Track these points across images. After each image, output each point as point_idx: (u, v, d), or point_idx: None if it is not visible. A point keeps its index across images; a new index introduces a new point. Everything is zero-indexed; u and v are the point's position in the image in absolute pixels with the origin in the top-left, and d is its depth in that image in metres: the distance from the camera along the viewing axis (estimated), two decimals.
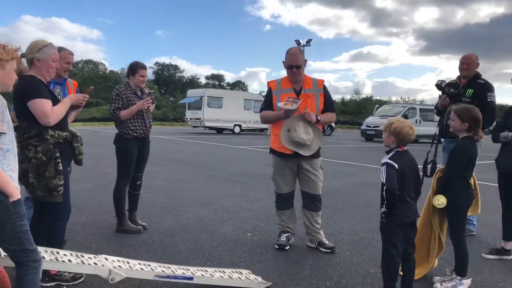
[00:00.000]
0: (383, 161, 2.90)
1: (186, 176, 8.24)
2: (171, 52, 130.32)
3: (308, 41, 35.43)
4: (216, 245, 4.05)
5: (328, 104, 4.04)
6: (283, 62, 3.97)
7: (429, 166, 4.56)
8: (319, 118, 3.85)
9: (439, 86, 4.69)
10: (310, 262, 3.70)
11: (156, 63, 76.69)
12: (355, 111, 58.87)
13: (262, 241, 4.23)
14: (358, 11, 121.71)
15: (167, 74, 77.76)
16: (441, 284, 3.18)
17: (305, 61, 3.93)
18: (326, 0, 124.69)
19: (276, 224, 4.37)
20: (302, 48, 35.69)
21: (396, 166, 2.83)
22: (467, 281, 3.16)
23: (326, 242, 4.04)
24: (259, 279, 3.20)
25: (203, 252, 3.83)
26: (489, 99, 4.47)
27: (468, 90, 4.56)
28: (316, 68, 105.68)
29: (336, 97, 71.57)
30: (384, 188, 2.82)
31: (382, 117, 23.70)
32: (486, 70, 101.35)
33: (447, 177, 3.18)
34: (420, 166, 3.09)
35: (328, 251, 3.94)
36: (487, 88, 4.55)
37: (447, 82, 4.78)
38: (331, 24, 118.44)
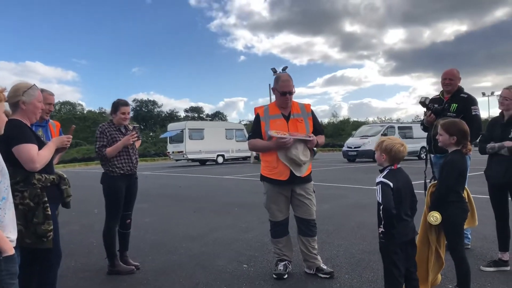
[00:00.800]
0: (377, 180, 2.90)
1: (173, 211, 8.10)
2: (148, 88, 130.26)
3: (284, 69, 35.89)
4: (212, 279, 3.93)
5: (318, 127, 4.09)
6: (273, 88, 3.98)
7: (428, 182, 4.57)
8: (318, 142, 3.92)
9: (423, 103, 4.76)
10: None
11: (134, 100, 76.62)
12: (334, 133, 59.55)
13: (259, 271, 4.13)
14: (328, 37, 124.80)
15: (146, 110, 77.70)
16: None
17: (293, 86, 3.97)
18: (296, 29, 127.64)
19: (271, 253, 4.29)
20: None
21: (391, 184, 2.83)
22: None
23: (325, 267, 3.97)
24: None
25: None
26: (473, 113, 4.54)
27: (452, 105, 4.63)
28: None
29: None
30: (381, 207, 2.81)
31: (362, 137, 24.02)
32: None
33: (440, 192, 3.18)
34: (414, 183, 3.08)
35: (327, 276, 3.87)
36: (471, 101, 4.62)
37: (430, 98, 4.85)
38: (303, 51, 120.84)
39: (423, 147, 22.67)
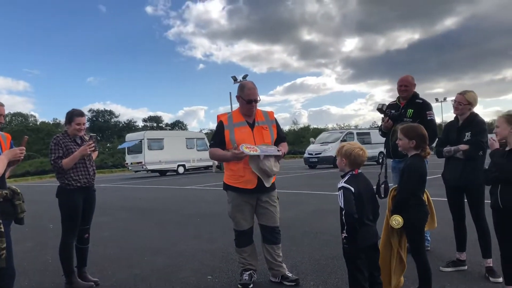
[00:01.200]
0: (339, 185, 2.93)
1: (134, 223, 7.89)
2: (104, 97, 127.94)
3: (244, 77, 36.04)
4: None
5: (281, 134, 4.09)
6: (238, 96, 3.92)
7: (382, 186, 4.68)
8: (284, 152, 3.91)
9: (380, 109, 4.87)
10: None
11: (90, 110, 74.70)
12: (295, 140, 60.23)
13: (224, 282, 4.07)
14: (287, 45, 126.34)
15: (102, 120, 75.92)
16: None
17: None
18: (255, 38, 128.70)
19: (236, 263, 4.23)
20: (239, 83, 36.41)
21: (353, 189, 2.86)
22: None
23: (290, 275, 3.95)
24: None
25: None
26: (429, 118, 4.68)
27: (408, 110, 4.76)
28: None
29: None
30: (343, 212, 2.83)
31: (323, 144, 24.41)
32: None
33: (401, 196, 3.24)
34: (375, 187, 3.13)
35: (293, 284, 3.86)
36: (426, 107, 4.77)
37: (387, 104, 4.97)
38: (263, 59, 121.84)
39: (381, 152, 23.22)
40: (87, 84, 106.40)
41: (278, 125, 4.09)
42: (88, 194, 4.14)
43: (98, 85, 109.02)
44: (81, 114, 4.15)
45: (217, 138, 3.94)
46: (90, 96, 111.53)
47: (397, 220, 3.16)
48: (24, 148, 3.12)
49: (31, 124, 64.59)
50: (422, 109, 4.74)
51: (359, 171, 3.03)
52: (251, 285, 3.85)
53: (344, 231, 2.86)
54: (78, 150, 3.99)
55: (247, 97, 3.84)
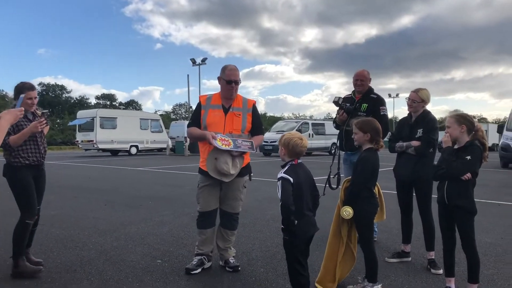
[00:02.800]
0: (278, 175, 2.96)
1: (82, 203, 7.65)
2: (56, 71, 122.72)
3: (204, 60, 35.70)
4: (123, 276, 3.75)
5: (257, 125, 3.99)
6: (219, 77, 3.89)
7: (334, 178, 4.80)
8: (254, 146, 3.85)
9: (336, 102, 4.94)
10: (226, 284, 3.60)
11: (40, 84, 71.47)
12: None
13: (174, 267, 4.02)
14: (247, 31, 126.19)
15: (53, 95, 72.90)
16: None
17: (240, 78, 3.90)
18: (215, 21, 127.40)
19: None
20: (198, 66, 35.89)
21: (291, 179, 2.89)
22: (378, 287, 3.29)
23: (232, 261, 3.99)
24: None
25: (110, 286, 3.52)
26: (382, 113, 4.79)
27: (362, 105, 4.87)
28: (210, 86, 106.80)
29: None
30: (280, 204, 2.86)
31: (278, 132, 24.62)
32: None
33: (354, 188, 3.31)
34: (316, 178, 3.18)
35: (231, 270, 3.90)
36: (379, 102, 4.89)
37: (343, 97, 5.05)
38: (222, 44, 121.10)
39: (334, 143, 23.71)
40: (38, 56, 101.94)
41: (255, 115, 3.99)
42: (37, 173, 3.90)
43: (50, 58, 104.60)
44: (32, 87, 3.86)
45: (194, 117, 3.97)
46: (40, 68, 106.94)
47: (347, 211, 3.23)
48: (23, 108, 3.10)
49: None
50: (375, 104, 4.85)
51: (299, 161, 3.06)
52: (197, 271, 3.82)
53: (281, 224, 2.90)
54: (28, 127, 3.73)
55: (227, 77, 3.81)
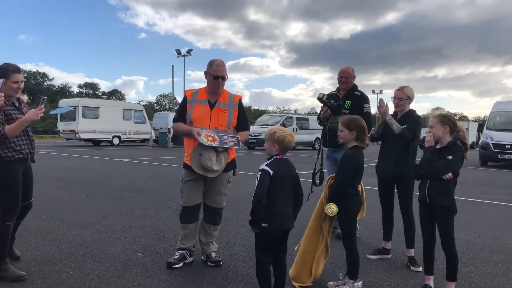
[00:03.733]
0: (260, 167, 2.98)
1: (62, 194, 7.54)
2: (37, 58, 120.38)
3: (189, 51, 35.43)
4: (104, 270, 3.71)
5: (243, 121, 3.96)
6: (205, 72, 3.85)
7: (317, 174, 4.84)
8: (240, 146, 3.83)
9: (321, 99, 4.96)
10: (207, 279, 3.59)
11: None
12: None
13: (155, 261, 3.99)
14: (232, 23, 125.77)
15: (34, 83, 71.55)
16: None
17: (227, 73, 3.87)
18: (201, 11, 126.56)
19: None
20: (183, 57, 35.59)
21: (271, 172, 2.92)
22: (358, 284, 3.33)
23: (214, 255, 3.98)
24: None
25: (90, 279, 3.48)
26: (365, 110, 4.83)
27: (346, 102, 4.90)
28: (195, 77, 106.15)
29: None
30: (253, 194, 2.89)
31: (263, 126, 24.64)
32: None
33: (338, 185, 3.32)
34: (300, 172, 3.20)
35: (212, 265, 3.90)
36: (363, 99, 4.93)
37: (327, 94, 5.07)
38: (207, 35, 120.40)
39: (317, 138, 23.85)
40: (19, 42, 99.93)
41: (241, 111, 3.96)
42: (26, 166, 3.67)
43: (31, 44, 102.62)
44: (17, 69, 3.45)
45: (180, 112, 3.95)
46: (21, 55, 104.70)
47: (332, 209, 3.25)
48: (3, 94, 3.04)
49: None
50: (359, 101, 4.90)
51: (285, 156, 3.08)
52: (178, 265, 3.79)
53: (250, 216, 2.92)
54: (27, 115, 3.41)
55: (214, 72, 3.78)
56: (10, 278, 3.41)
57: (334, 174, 3.49)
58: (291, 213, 3.03)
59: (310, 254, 3.48)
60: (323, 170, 5.03)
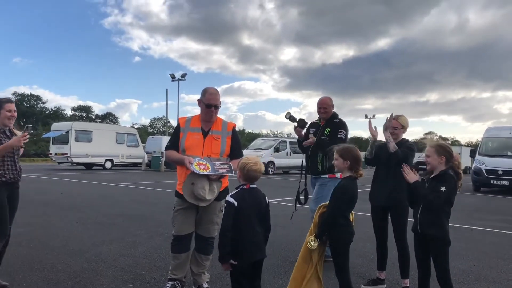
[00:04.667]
0: (226, 198, 3.01)
1: (52, 220, 7.42)
2: (31, 81, 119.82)
3: (183, 75, 35.71)
4: None
5: (236, 149, 3.94)
6: (199, 100, 3.85)
7: (301, 193, 5.07)
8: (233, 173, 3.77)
9: (290, 117, 5.29)
10: None
11: (14, 93, 69.91)
12: None
13: None
14: (227, 47, 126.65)
15: (27, 105, 71.26)
16: None
17: (220, 101, 3.86)
18: (195, 36, 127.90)
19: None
20: (177, 81, 35.79)
21: (235, 203, 2.94)
22: None
23: (205, 286, 3.91)
24: None
25: None
26: (338, 135, 5.10)
27: (326, 129, 5.18)
28: (189, 101, 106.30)
29: None
30: (220, 228, 2.94)
31: (256, 150, 24.65)
32: (341, 106, 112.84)
33: (330, 216, 3.28)
34: (270, 201, 3.23)
35: None
36: (340, 125, 5.20)
37: (310, 122, 5.39)
38: (202, 59, 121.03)
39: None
40: (13, 64, 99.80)
41: (235, 138, 3.95)
42: (12, 191, 3.77)
43: (25, 67, 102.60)
44: (10, 100, 3.77)
45: (173, 140, 3.92)
46: (15, 77, 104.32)
47: (311, 242, 3.25)
48: (27, 134, 3.16)
49: None
50: (337, 127, 5.16)
51: (254, 186, 3.11)
52: None
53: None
54: (11, 141, 3.60)
55: (207, 101, 3.77)
56: None
57: (326, 203, 3.45)
58: (261, 243, 3.05)
59: (299, 283, 3.41)
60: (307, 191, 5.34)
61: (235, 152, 3.93)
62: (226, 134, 3.90)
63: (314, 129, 5.21)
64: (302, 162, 5.46)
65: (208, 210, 3.81)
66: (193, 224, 3.86)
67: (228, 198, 2.98)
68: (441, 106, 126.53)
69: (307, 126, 5.24)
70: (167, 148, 3.94)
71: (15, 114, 3.76)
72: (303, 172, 5.57)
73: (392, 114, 4.20)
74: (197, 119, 3.91)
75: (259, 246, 3.02)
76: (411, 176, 3.29)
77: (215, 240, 3.99)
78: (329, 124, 5.18)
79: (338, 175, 4.92)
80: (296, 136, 5.51)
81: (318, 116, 5.33)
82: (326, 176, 5.15)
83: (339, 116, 5.31)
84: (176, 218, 3.85)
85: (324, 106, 5.19)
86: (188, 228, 3.84)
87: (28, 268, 4.49)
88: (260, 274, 3.12)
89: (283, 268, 4.76)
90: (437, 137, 76.99)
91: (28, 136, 3.71)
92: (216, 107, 3.80)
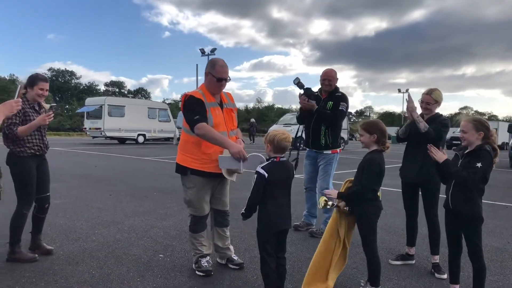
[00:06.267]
0: (256, 169, 3.06)
1: (87, 193, 7.66)
2: (65, 57, 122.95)
3: (213, 50, 35.65)
4: (125, 270, 3.74)
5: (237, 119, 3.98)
6: (208, 72, 3.66)
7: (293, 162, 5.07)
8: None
9: (298, 83, 5.09)
10: (227, 282, 3.57)
11: (50, 69, 71.67)
12: (258, 119, 60.32)
13: (176, 262, 4.00)
14: (256, 21, 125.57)
15: (62, 81, 73.11)
16: None
17: None
18: (224, 10, 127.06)
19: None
20: (207, 56, 35.79)
21: (266, 175, 2.99)
22: None
23: (235, 258, 3.95)
24: None
25: (111, 280, 3.51)
26: (340, 108, 5.05)
27: (328, 103, 5.08)
28: None
29: (239, 105, 73.17)
30: (249, 196, 3.01)
31: (285, 125, 24.51)
32: (373, 80, 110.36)
33: (360, 191, 3.23)
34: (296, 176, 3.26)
35: (237, 267, 3.86)
36: (342, 99, 5.08)
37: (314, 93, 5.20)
38: (230, 33, 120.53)
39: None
40: (48, 41, 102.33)
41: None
42: (40, 161, 4.02)
43: (59, 43, 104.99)
44: (45, 79, 4.00)
45: (202, 112, 3.52)
46: (50, 54, 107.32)
47: (323, 202, 3.39)
48: (20, 100, 3.08)
49: None
50: (339, 101, 5.07)
51: (283, 158, 3.14)
52: (213, 272, 3.70)
53: (244, 209, 3.05)
54: (37, 120, 3.80)
55: (218, 74, 3.61)
56: (23, 260, 3.84)
57: (351, 178, 3.42)
58: (287, 214, 3.11)
59: (326, 258, 3.42)
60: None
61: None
62: (233, 106, 3.89)
63: (314, 102, 5.06)
64: (296, 134, 5.23)
65: (224, 184, 3.85)
66: (209, 201, 3.85)
67: (259, 169, 3.02)
68: (478, 80, 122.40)
69: (312, 97, 5.08)
70: (199, 120, 3.45)
71: (47, 93, 3.97)
72: (300, 144, 5.41)
73: (409, 94, 4.07)
74: (207, 92, 3.68)
75: (284, 216, 3.08)
76: (440, 155, 3.18)
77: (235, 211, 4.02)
78: (332, 97, 5.09)
79: (338, 150, 5.16)
80: None
81: (319, 88, 5.25)
82: (329, 151, 5.09)
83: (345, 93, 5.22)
84: (193, 198, 3.73)
85: (328, 78, 5.09)
86: (208, 208, 3.84)
87: (64, 237, 4.67)
88: (284, 246, 3.17)
89: (310, 241, 4.78)
90: (473, 112, 74.39)
91: (52, 115, 3.93)
92: (226, 80, 3.67)
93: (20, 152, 3.83)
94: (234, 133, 3.77)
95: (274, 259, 3.06)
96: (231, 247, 4.02)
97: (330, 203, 3.39)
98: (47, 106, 4.11)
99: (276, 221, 3.03)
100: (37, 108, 3.98)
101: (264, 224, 3.04)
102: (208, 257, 3.83)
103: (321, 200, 3.43)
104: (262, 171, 3.01)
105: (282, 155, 3.14)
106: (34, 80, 3.91)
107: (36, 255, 3.95)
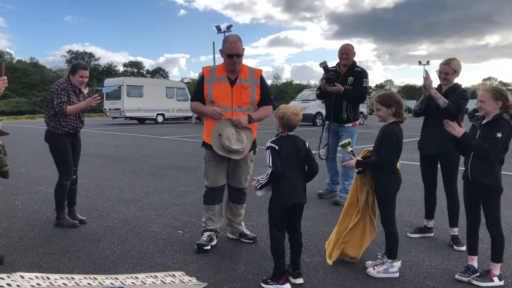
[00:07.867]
0: (266, 145, 3.06)
1: (107, 172, 7.81)
2: (83, 39, 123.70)
3: (229, 27, 35.29)
4: (145, 246, 3.83)
5: (265, 97, 3.82)
6: (220, 50, 3.69)
7: (322, 151, 5.39)
8: (252, 119, 3.66)
9: (325, 67, 5.21)
10: (245, 256, 3.62)
11: (69, 51, 72.28)
12: (276, 95, 59.88)
13: (195, 238, 4.06)
14: None
15: None
16: (374, 268, 3.24)
17: (243, 49, 3.68)
18: None
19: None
20: (223, 33, 35.50)
21: (277, 147, 3.01)
22: (397, 263, 3.24)
23: (248, 232, 4.00)
24: (194, 280, 3.07)
25: (132, 256, 3.60)
26: (364, 85, 5.31)
27: (349, 78, 5.25)
28: None
29: None
30: (270, 170, 2.98)
31: (303, 101, 24.35)
32: (393, 53, 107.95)
33: (380, 163, 3.20)
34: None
35: (251, 241, 3.91)
36: (363, 74, 5.27)
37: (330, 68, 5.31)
38: (246, 9, 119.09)
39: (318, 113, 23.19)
40: (65, 23, 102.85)
41: (264, 86, 3.81)
42: (74, 139, 4.48)
43: (77, 25, 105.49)
44: (85, 67, 4.42)
45: (197, 91, 3.85)
46: (68, 36, 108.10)
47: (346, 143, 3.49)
48: (5, 78, 3.18)
49: (6, 62, 62.24)
50: (360, 76, 5.24)
51: (292, 133, 3.13)
52: (208, 247, 3.71)
53: (262, 178, 3.03)
54: (84, 102, 4.33)
55: (227, 51, 3.60)
56: (66, 225, 4.34)
57: (370, 148, 3.40)
58: (299, 188, 3.07)
59: (343, 222, 3.47)
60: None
61: (265, 100, 3.83)
62: (254, 82, 3.75)
63: (340, 85, 5.22)
64: (324, 121, 5.64)
65: (240, 161, 3.79)
66: (225, 175, 3.86)
67: (269, 144, 3.04)
68: (502, 49, 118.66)
69: (323, 66, 5.25)
70: (192, 99, 3.90)
71: (86, 79, 4.42)
72: (326, 122, 5.60)
73: (426, 71, 4.05)
74: (222, 68, 3.75)
75: (296, 191, 3.04)
76: (458, 130, 3.10)
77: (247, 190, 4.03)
78: (351, 72, 5.28)
79: (357, 122, 5.47)
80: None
81: (337, 62, 5.41)
82: (350, 124, 5.40)
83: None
84: (209, 169, 3.81)
85: (346, 52, 5.28)
86: (222, 179, 3.84)
87: (86, 215, 4.77)
88: (299, 219, 3.15)
89: (327, 216, 4.80)
90: (497, 82, 72.29)
91: (99, 97, 4.35)
92: (239, 55, 3.61)
93: (56, 129, 4.29)
94: (245, 109, 3.68)
95: (284, 234, 3.06)
96: (243, 223, 4.06)
97: (350, 149, 3.44)
98: (85, 91, 4.57)
99: (288, 195, 3.01)
100: (77, 92, 4.42)
101: (275, 199, 3.04)
102: (211, 233, 3.82)
103: (346, 141, 3.52)
104: (272, 144, 3.02)
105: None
106: (75, 68, 4.35)
107: (77, 221, 4.37)
